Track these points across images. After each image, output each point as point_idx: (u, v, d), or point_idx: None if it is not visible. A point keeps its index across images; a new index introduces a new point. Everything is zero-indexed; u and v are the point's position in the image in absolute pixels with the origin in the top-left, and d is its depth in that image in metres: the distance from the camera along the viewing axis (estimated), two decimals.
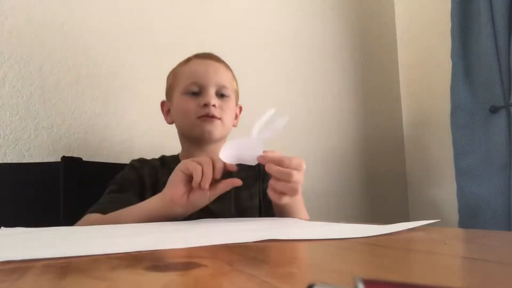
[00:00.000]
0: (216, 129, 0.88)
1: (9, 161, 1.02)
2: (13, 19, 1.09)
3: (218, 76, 0.90)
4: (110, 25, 1.21)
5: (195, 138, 0.90)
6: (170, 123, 0.98)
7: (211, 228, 0.49)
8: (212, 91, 0.88)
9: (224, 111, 0.89)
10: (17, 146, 1.05)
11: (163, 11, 1.30)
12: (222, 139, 0.92)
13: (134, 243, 0.34)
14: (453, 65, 1.39)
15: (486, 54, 1.30)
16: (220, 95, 0.90)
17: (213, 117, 0.87)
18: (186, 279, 0.20)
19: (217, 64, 0.93)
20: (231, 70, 0.96)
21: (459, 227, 1.35)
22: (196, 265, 0.24)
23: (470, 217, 1.33)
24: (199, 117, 0.87)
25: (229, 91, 0.91)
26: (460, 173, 1.37)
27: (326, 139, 1.58)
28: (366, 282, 0.13)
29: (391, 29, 1.82)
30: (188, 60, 0.95)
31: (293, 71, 1.56)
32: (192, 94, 0.89)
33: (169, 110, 0.97)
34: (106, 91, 1.18)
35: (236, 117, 0.99)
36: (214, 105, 0.87)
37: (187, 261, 0.25)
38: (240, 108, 1.02)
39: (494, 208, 1.27)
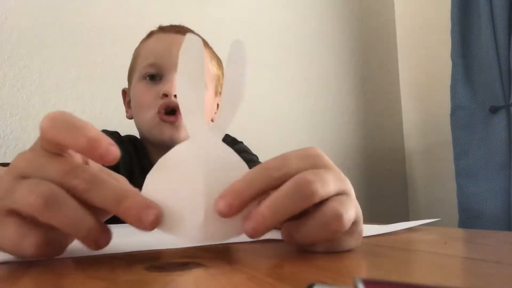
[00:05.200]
0: (181, 132, 0.67)
1: (9, 161, 1.02)
2: (13, 19, 1.09)
3: None
4: (110, 25, 1.21)
5: (155, 143, 0.69)
6: (130, 118, 0.75)
7: None
8: (175, 76, 0.67)
9: None
10: (17, 146, 1.05)
11: (163, 11, 1.30)
12: None
13: (134, 243, 0.34)
14: (453, 65, 1.39)
15: (486, 54, 1.30)
16: None
17: (175, 114, 0.65)
18: (186, 279, 0.20)
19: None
20: (208, 47, 0.77)
21: (459, 227, 1.35)
22: (196, 265, 0.24)
23: (470, 217, 1.32)
24: (158, 112, 0.66)
25: None
26: (460, 173, 1.37)
27: (326, 139, 1.58)
28: (366, 282, 0.13)
29: (391, 29, 1.82)
30: (150, 34, 0.76)
31: (293, 70, 1.56)
32: (150, 79, 0.69)
33: (130, 101, 0.75)
34: (106, 91, 1.18)
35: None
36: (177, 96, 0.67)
37: (187, 261, 0.25)
38: None
39: (494, 208, 1.27)
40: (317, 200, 0.24)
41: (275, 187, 0.24)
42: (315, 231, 0.25)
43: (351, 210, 0.25)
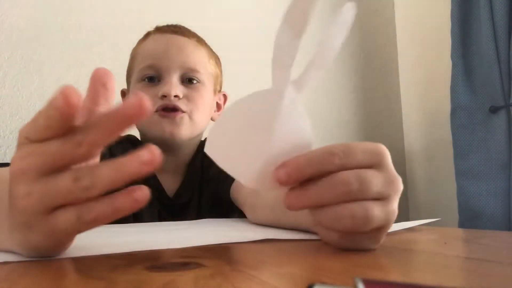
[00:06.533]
0: (181, 127, 0.66)
1: (9, 161, 1.02)
2: (13, 19, 1.09)
3: (183, 56, 0.69)
4: (110, 25, 1.21)
5: (156, 140, 0.66)
6: None
7: (211, 227, 0.49)
8: (174, 77, 0.67)
9: (193, 102, 0.68)
10: None
11: (162, 10, 1.30)
12: (192, 140, 0.71)
13: (134, 243, 0.34)
14: (453, 65, 1.39)
15: (486, 54, 1.30)
16: (188, 80, 0.69)
17: (174, 110, 0.66)
18: (186, 279, 0.20)
19: (182, 40, 0.71)
20: (206, 46, 0.76)
21: (459, 227, 1.35)
22: (196, 265, 0.24)
23: (470, 217, 1.32)
24: (157, 111, 0.66)
25: (201, 75, 0.70)
26: (460, 173, 1.37)
27: (326, 139, 1.58)
28: (366, 282, 0.13)
29: (391, 29, 1.82)
30: (147, 35, 0.75)
31: (293, 71, 1.56)
32: (149, 81, 0.69)
33: None
34: None
35: (219, 108, 0.78)
36: (177, 96, 0.66)
37: (187, 261, 0.25)
38: (225, 97, 0.80)
39: (494, 208, 1.27)
40: (349, 199, 0.26)
41: (333, 172, 0.26)
42: (329, 222, 0.26)
43: (377, 215, 0.26)
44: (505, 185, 1.27)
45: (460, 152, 1.37)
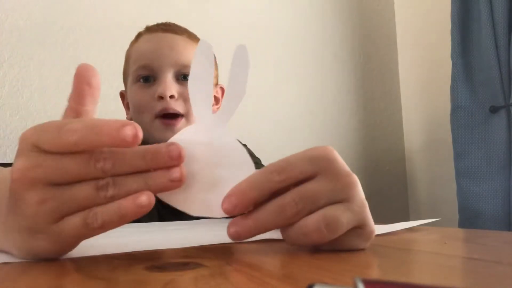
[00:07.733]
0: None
1: (9, 161, 1.02)
2: (13, 19, 1.09)
3: (175, 53, 0.69)
4: (110, 25, 1.21)
5: (156, 143, 0.70)
6: (130, 119, 0.74)
7: (211, 227, 0.49)
8: (168, 76, 0.67)
9: (189, 101, 0.66)
10: (17, 146, 1.05)
11: (162, 11, 1.30)
12: None
13: (134, 243, 0.34)
14: (453, 65, 1.39)
15: (486, 54, 1.30)
16: (183, 77, 0.69)
17: (174, 116, 0.66)
18: (186, 279, 0.20)
19: (173, 37, 0.71)
20: (197, 41, 0.79)
21: (459, 227, 1.35)
22: (196, 265, 0.24)
23: (470, 217, 1.32)
24: (157, 117, 0.67)
25: None
26: (460, 173, 1.37)
27: (326, 139, 1.58)
28: (366, 282, 0.13)
29: (391, 29, 1.82)
30: (138, 36, 0.75)
31: (293, 71, 1.56)
32: (144, 82, 0.69)
33: (128, 103, 0.76)
34: (106, 91, 1.18)
35: (217, 101, 0.77)
36: (172, 96, 0.66)
37: (187, 261, 0.25)
38: (222, 90, 0.79)
39: (494, 208, 1.27)
40: (300, 218, 0.26)
41: (279, 189, 0.26)
42: (298, 239, 0.26)
43: (344, 218, 0.26)
44: (505, 185, 1.27)
45: (460, 152, 1.37)
